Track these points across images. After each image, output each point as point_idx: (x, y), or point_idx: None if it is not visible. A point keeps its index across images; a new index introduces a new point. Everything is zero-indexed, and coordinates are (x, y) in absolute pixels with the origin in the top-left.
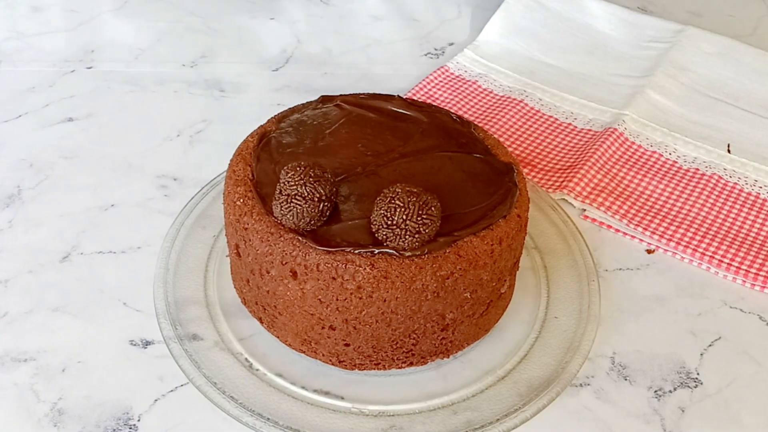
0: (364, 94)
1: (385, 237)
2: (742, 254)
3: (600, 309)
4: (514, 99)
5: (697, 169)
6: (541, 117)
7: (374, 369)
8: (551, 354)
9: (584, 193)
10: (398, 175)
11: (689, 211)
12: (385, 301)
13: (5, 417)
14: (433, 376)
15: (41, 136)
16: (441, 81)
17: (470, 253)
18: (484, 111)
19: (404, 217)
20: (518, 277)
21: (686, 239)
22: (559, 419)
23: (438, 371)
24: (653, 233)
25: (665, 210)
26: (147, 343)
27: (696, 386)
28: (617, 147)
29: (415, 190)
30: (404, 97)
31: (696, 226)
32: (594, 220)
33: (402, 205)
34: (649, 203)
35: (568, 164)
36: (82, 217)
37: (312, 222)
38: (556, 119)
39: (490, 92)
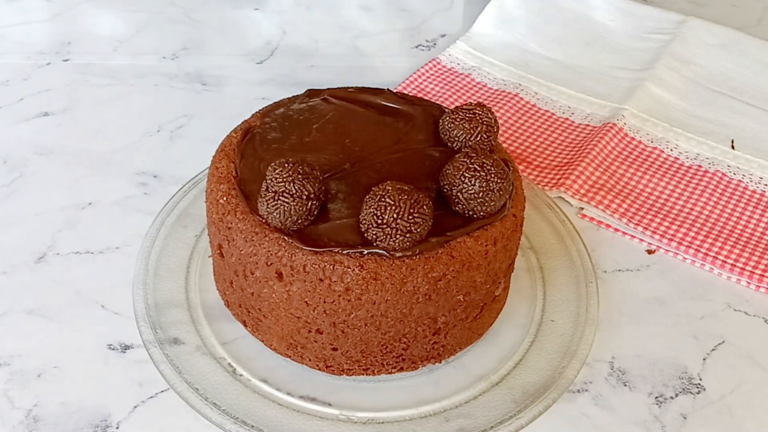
0: (352, 87)
1: (374, 237)
2: (746, 254)
3: (598, 312)
4: (509, 93)
5: (700, 166)
6: (536, 112)
7: (363, 374)
8: (547, 359)
9: (582, 191)
10: (388, 172)
11: (691, 209)
12: (374, 303)
13: None
14: (424, 381)
15: (15, 131)
16: (432, 74)
17: (463, 253)
18: None
19: (395, 215)
20: (513, 278)
21: (688, 239)
22: (556, 426)
23: (429, 377)
24: (654, 233)
25: (666, 208)
26: (126, 348)
27: (698, 392)
28: (616, 143)
29: (406, 187)
30: (394, 90)
31: (698, 225)
32: (592, 219)
33: (392, 203)
34: (650, 201)
35: (565, 161)
36: (57, 216)
37: (299, 221)
38: (553, 114)
39: (484, 86)
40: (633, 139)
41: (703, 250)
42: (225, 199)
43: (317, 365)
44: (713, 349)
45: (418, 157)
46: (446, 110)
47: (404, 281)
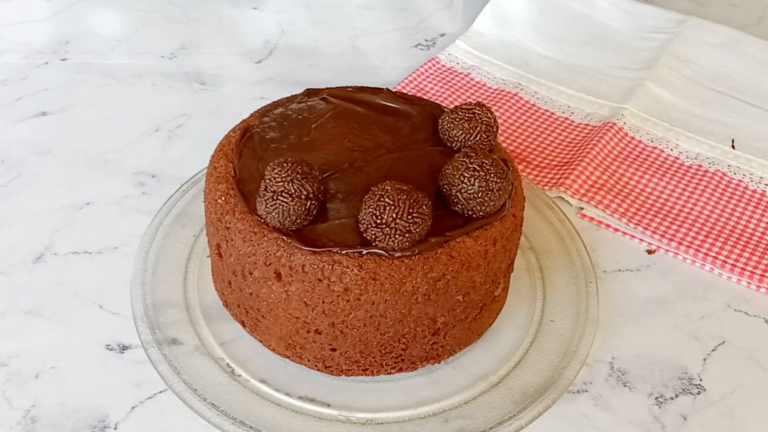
0: (351, 87)
1: (373, 236)
2: (747, 255)
3: (598, 312)
4: (508, 92)
5: (700, 166)
6: (536, 111)
7: (362, 375)
8: (547, 359)
9: (582, 191)
10: (387, 171)
11: (692, 209)
12: (373, 303)
13: None
14: (423, 382)
15: (13, 131)
16: (432, 73)
17: (463, 254)
18: None
19: (394, 215)
20: (513, 279)
21: (688, 239)
22: (556, 427)
23: (429, 377)
24: (654, 233)
25: (666, 208)
26: (124, 348)
27: (699, 393)
28: (616, 142)
29: (405, 187)
30: (393, 90)
31: (699, 225)
32: (592, 219)
33: (391, 203)
34: (650, 201)
35: (565, 161)
36: (56, 215)
37: (298, 221)
38: (552, 113)
39: (483, 85)
40: (633, 138)
41: (704, 250)
42: (223, 198)
43: (316, 366)
44: (713, 350)
45: (418, 157)
46: (445, 110)
47: (403, 281)
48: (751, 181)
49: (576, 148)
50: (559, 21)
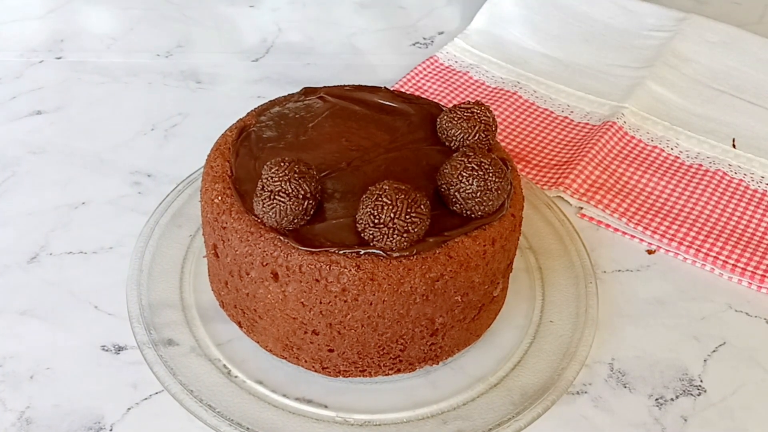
0: (348, 85)
1: (371, 236)
2: (747, 255)
3: (598, 312)
4: (507, 91)
5: (701, 165)
6: (535, 110)
7: (360, 376)
8: (546, 360)
9: (581, 191)
10: (385, 171)
11: (692, 209)
12: (371, 304)
13: None
14: (421, 383)
15: (8, 130)
16: (430, 72)
17: (461, 254)
18: None
19: (392, 215)
20: (512, 279)
21: (689, 239)
22: (555, 429)
23: (427, 378)
24: (654, 232)
25: (667, 208)
26: (119, 349)
27: (699, 394)
28: (616, 142)
29: (403, 187)
30: (391, 89)
31: (699, 225)
32: (591, 218)
33: (389, 202)
34: (650, 201)
35: (564, 160)
36: (50, 215)
37: (295, 220)
38: (552, 112)
39: (482, 84)
40: (633, 137)
41: (704, 250)
42: (220, 198)
43: (313, 367)
44: (714, 351)
45: (416, 156)
46: (444, 109)
47: (401, 282)
48: (752, 180)
49: (575, 148)
50: (558, 19)
